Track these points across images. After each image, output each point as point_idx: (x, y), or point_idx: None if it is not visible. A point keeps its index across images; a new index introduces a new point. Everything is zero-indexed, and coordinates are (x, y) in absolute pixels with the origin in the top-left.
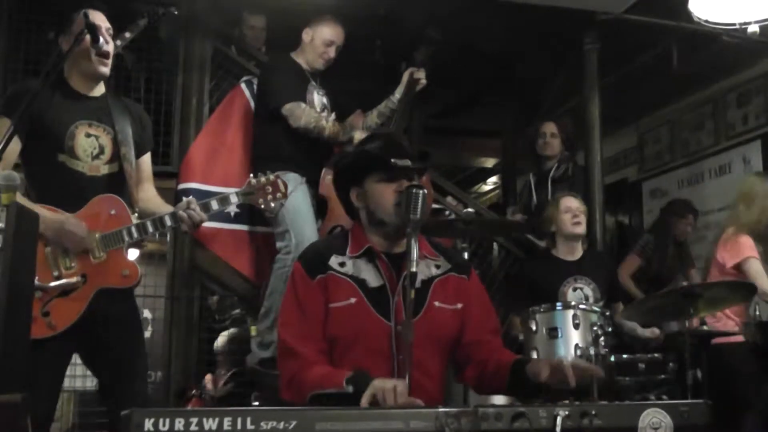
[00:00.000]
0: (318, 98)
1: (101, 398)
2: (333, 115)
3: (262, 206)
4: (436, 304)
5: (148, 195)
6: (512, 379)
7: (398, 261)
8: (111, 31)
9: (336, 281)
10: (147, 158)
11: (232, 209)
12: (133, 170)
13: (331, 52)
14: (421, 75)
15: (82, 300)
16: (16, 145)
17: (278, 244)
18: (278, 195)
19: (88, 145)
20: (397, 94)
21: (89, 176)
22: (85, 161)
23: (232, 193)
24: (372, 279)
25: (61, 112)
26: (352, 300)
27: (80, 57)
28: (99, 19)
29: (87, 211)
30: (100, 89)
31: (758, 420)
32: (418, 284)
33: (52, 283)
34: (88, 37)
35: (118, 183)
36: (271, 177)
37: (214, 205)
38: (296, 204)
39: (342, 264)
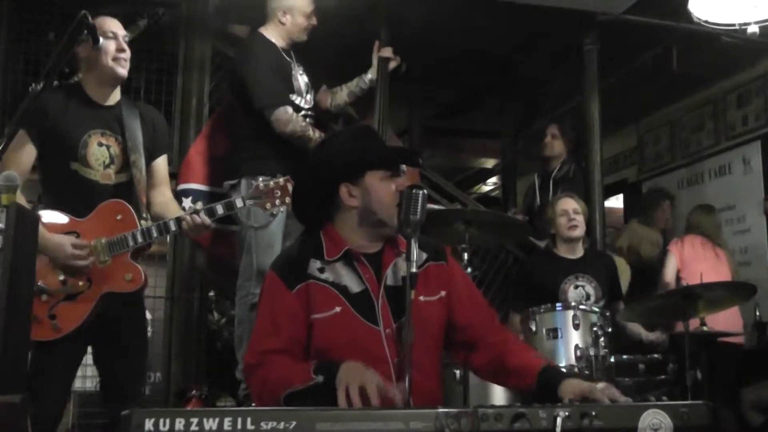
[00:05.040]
0: (302, 80)
1: (102, 397)
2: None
3: (269, 209)
4: (421, 299)
5: (164, 199)
6: (539, 389)
7: (376, 261)
8: (127, 38)
9: (317, 290)
10: (161, 161)
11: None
12: (143, 176)
13: (314, 20)
14: (388, 53)
15: (86, 303)
16: (30, 151)
17: (241, 264)
18: (286, 199)
19: (100, 154)
20: (370, 74)
21: (102, 184)
22: (97, 170)
23: (237, 198)
24: (353, 284)
25: (76, 121)
26: (337, 309)
27: (94, 62)
28: (114, 26)
29: (95, 216)
30: (115, 97)
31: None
32: (399, 282)
33: (58, 287)
34: (105, 42)
35: (128, 190)
36: (281, 181)
37: (219, 209)
38: (272, 235)
39: (321, 269)
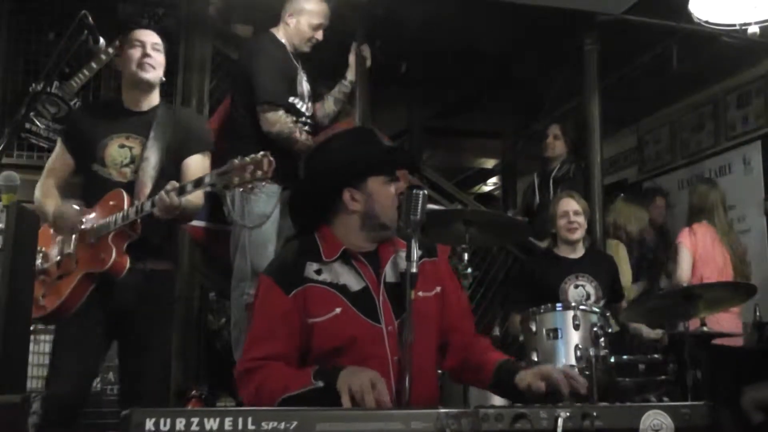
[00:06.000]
0: (305, 86)
1: (119, 396)
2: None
3: (236, 184)
4: (420, 294)
5: (191, 196)
6: (496, 382)
7: (373, 259)
8: (158, 46)
9: (315, 293)
10: (193, 160)
11: (226, 210)
12: (149, 171)
13: (319, 36)
14: (365, 53)
15: (69, 282)
16: (66, 160)
17: (236, 264)
18: (258, 173)
19: (119, 155)
20: (349, 76)
21: (115, 181)
22: (113, 168)
23: (207, 174)
24: (353, 282)
25: (101, 127)
26: (337, 310)
27: (124, 71)
28: (142, 35)
29: (98, 205)
30: (150, 102)
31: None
32: (398, 279)
33: (53, 267)
34: (130, 51)
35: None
36: (258, 156)
37: (189, 187)
38: (266, 234)
39: (318, 271)
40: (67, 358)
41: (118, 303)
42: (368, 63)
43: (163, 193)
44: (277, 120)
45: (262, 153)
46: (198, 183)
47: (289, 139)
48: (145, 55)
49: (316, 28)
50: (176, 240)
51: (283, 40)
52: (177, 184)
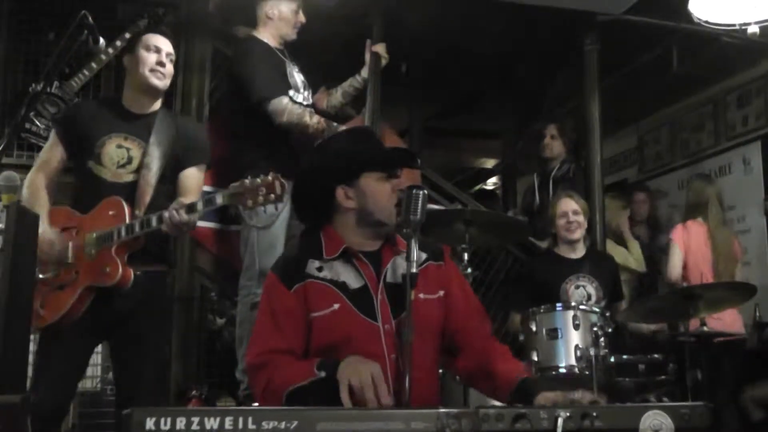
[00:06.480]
0: (298, 77)
1: (115, 398)
2: (311, 96)
3: (250, 207)
4: (421, 296)
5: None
6: (516, 397)
7: (375, 259)
8: (172, 57)
9: (316, 288)
10: (190, 173)
11: (233, 211)
12: (151, 178)
13: (302, 17)
14: (380, 49)
15: (70, 294)
16: (59, 152)
17: (245, 263)
18: (271, 197)
19: (116, 155)
20: (364, 73)
21: (110, 182)
22: (109, 168)
23: (218, 193)
24: (352, 280)
25: (100, 125)
26: (336, 306)
27: (132, 71)
28: (160, 42)
29: (94, 212)
30: (153, 107)
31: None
32: (398, 280)
33: (50, 277)
34: (145, 54)
35: (133, 189)
36: (269, 178)
37: (199, 205)
38: (274, 234)
39: (320, 268)
40: (52, 362)
41: (114, 309)
42: (384, 62)
43: (174, 212)
44: (283, 109)
45: (272, 175)
46: (209, 202)
47: (300, 125)
48: (159, 62)
49: (296, 11)
50: (169, 241)
51: (265, 39)
52: (185, 203)
